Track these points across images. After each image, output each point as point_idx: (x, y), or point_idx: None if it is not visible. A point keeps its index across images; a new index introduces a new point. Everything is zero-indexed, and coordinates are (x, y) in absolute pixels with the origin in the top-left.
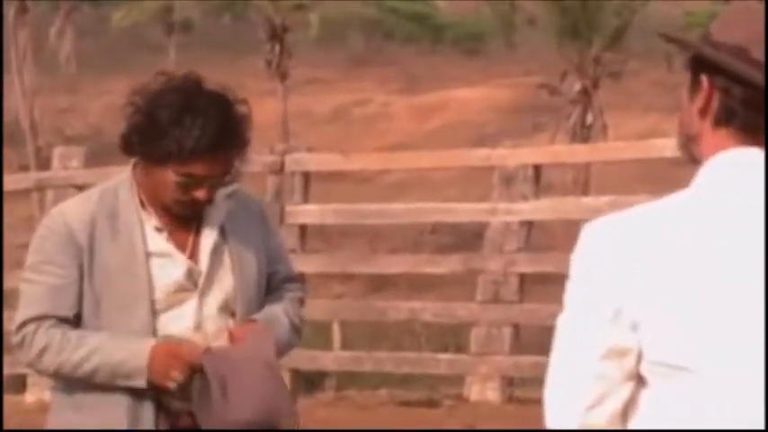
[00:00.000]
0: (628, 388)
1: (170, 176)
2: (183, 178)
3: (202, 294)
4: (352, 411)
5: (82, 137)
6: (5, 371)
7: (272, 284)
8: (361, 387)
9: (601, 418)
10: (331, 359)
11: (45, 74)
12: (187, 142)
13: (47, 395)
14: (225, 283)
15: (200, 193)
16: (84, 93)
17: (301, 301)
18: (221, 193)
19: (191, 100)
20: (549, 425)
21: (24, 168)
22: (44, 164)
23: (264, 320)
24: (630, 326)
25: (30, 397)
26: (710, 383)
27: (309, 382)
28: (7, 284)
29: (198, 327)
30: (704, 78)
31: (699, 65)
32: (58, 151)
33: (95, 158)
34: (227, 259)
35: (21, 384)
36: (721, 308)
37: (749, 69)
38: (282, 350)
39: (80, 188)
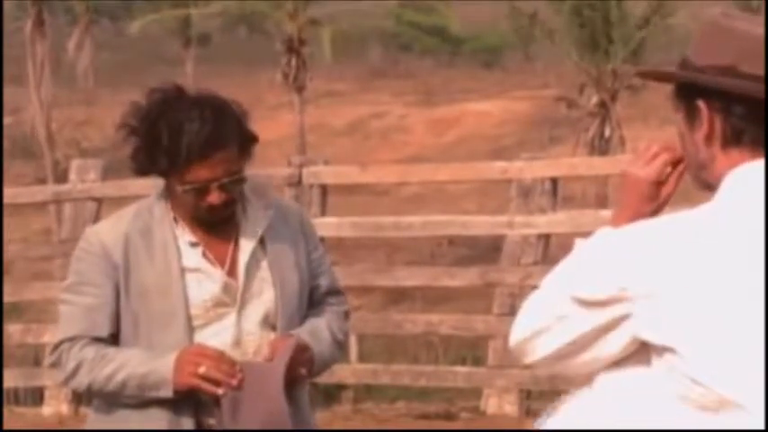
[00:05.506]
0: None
1: (178, 188)
2: (188, 186)
3: (241, 309)
4: (370, 424)
5: (99, 149)
6: (24, 384)
7: (315, 298)
8: (379, 400)
9: (538, 350)
10: (348, 372)
11: (62, 86)
12: (179, 152)
13: (64, 408)
14: (265, 297)
15: (212, 198)
16: (102, 105)
17: (346, 315)
18: (259, 204)
19: (170, 109)
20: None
21: (41, 181)
22: (61, 176)
23: (307, 335)
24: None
25: (47, 409)
26: (740, 410)
27: (327, 394)
28: (24, 296)
29: (237, 342)
30: (702, 105)
31: (690, 92)
32: (75, 164)
33: (112, 171)
34: (266, 272)
35: (38, 397)
36: (748, 326)
37: (746, 84)
38: (323, 366)
39: (98, 201)
